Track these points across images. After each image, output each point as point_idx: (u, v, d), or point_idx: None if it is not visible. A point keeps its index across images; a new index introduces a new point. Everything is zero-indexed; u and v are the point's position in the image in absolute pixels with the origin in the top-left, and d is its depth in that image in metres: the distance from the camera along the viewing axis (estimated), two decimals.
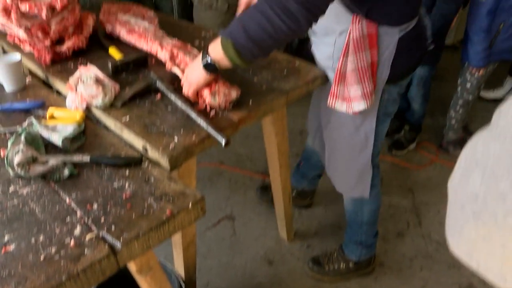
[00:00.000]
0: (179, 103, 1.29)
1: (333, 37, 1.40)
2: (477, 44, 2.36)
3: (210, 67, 1.22)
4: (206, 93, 1.28)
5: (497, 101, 3.06)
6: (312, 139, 2.02)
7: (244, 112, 1.31)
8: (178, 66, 1.44)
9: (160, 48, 1.51)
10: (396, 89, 1.51)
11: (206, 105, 1.31)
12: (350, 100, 1.41)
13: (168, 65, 1.45)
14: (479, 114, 3.12)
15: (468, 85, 2.57)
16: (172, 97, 1.32)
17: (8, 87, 1.49)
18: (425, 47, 1.50)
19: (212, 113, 1.30)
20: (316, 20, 1.15)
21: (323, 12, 1.15)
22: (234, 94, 1.30)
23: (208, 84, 1.28)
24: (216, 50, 1.19)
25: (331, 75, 1.46)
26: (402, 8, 1.33)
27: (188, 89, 1.30)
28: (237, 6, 2.77)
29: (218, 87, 1.28)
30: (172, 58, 1.47)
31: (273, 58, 1.60)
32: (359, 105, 1.41)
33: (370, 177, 1.68)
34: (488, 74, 2.52)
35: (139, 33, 1.62)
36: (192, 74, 1.28)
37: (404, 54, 1.39)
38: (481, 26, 2.30)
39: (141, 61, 1.48)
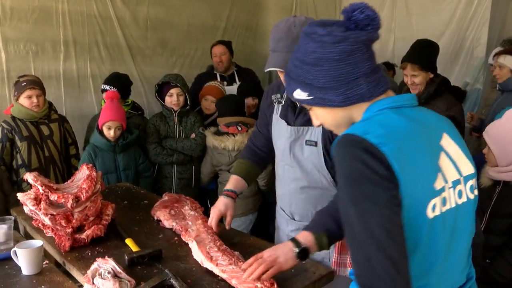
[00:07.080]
0: None
1: None
2: None
3: (303, 252, 1.36)
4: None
5: None
6: None
7: None
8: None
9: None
10: None
11: None
12: None
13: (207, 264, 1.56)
14: None
15: None
16: None
17: (26, 271, 1.59)
18: None
19: None
20: None
21: None
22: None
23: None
24: (308, 240, 1.36)
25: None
26: None
27: (264, 268, 1.36)
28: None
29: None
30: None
31: None
32: None
33: None
34: None
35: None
36: (280, 257, 1.37)
37: None
38: None
39: (156, 255, 1.61)
